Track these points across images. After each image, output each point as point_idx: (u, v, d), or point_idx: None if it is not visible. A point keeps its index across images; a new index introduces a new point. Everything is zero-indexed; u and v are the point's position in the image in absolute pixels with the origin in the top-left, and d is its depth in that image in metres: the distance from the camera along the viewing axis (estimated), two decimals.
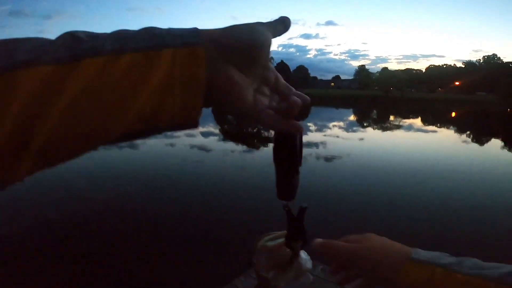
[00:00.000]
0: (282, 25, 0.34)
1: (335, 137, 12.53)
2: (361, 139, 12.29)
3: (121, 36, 0.23)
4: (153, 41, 0.23)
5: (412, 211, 4.89)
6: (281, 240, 0.59)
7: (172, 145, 12.26)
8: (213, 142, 12.36)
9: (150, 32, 0.24)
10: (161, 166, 8.54)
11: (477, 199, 5.41)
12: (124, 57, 0.22)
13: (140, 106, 0.22)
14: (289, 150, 0.39)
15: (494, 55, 49.03)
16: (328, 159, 8.61)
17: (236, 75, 0.27)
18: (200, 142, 12.22)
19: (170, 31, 0.25)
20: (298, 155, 0.40)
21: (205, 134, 14.82)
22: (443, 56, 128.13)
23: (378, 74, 51.94)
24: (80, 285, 3.25)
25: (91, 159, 10.11)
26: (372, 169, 7.57)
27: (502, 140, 12.36)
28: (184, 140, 13.23)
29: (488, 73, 41.62)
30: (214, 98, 0.27)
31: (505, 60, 47.05)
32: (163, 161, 9.23)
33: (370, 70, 55.94)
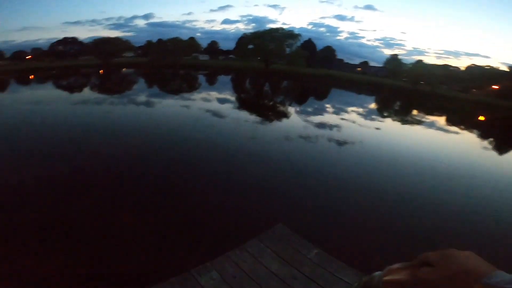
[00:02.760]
0: None
1: (351, 122, 12.24)
2: (378, 128, 11.94)
3: None
4: None
5: (408, 207, 4.88)
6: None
7: (187, 107, 12.43)
8: (228, 109, 12.40)
9: None
10: (173, 126, 8.76)
11: (479, 205, 5.29)
12: None
13: None
14: None
15: None
16: (340, 142, 8.51)
17: None
18: (215, 108, 12.30)
19: None
20: None
21: (221, 101, 14.87)
22: (488, 57, 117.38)
23: (410, 66, 48.69)
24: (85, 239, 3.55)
25: (107, 114, 10.49)
26: (381, 159, 7.47)
27: None
28: (200, 104, 13.35)
29: None
30: None
31: None
32: (176, 122, 9.45)
33: (403, 61, 52.25)
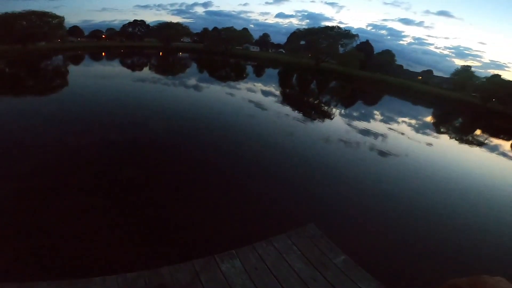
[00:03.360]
0: None
1: (399, 133, 11.36)
2: (429, 144, 10.88)
3: None
4: None
5: (441, 228, 4.42)
6: None
7: (232, 95, 12.81)
8: (271, 102, 12.46)
9: None
10: (216, 111, 9.15)
11: None
12: None
13: None
14: None
15: None
16: (382, 153, 8.00)
17: None
18: (259, 99, 12.45)
19: None
20: None
21: (266, 93, 14.97)
22: None
23: (484, 80, 42.67)
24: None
25: (160, 93, 11.39)
26: (424, 176, 6.83)
27: None
28: (245, 94, 13.64)
29: None
30: None
31: None
32: (219, 108, 9.85)
33: (476, 74, 46.08)
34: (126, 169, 4.34)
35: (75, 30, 50.95)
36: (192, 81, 14.62)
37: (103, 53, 31.82)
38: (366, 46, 54.34)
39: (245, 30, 57.54)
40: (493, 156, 11.69)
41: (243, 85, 16.34)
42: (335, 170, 5.95)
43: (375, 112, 16.80)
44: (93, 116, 7.13)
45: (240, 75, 23.39)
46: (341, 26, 57.31)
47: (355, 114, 14.28)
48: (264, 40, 71.88)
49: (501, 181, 8.19)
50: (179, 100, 10.26)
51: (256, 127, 8.17)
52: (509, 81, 43.32)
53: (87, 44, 40.42)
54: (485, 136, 18.01)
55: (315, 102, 16.31)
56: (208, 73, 21.88)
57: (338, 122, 11.32)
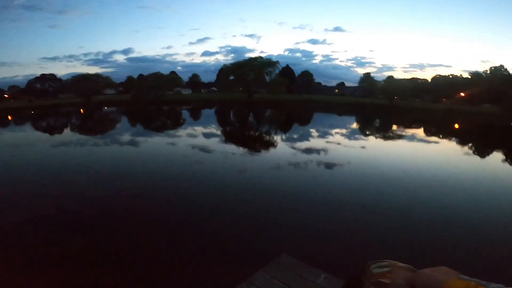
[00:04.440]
0: None
1: (337, 144, 12.54)
2: (363, 147, 12.28)
3: None
4: None
5: (408, 218, 4.89)
6: (387, 269, 0.86)
7: (173, 144, 12.35)
8: (215, 143, 12.43)
9: None
10: (161, 165, 8.60)
11: (473, 208, 5.40)
12: None
13: None
14: None
15: (501, 66, 48.04)
16: (329, 165, 8.63)
17: None
18: (202, 143, 12.29)
19: None
20: None
21: (207, 135, 14.92)
22: (450, 66, 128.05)
23: (383, 82, 51.68)
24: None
25: (91, 155, 10.25)
26: (371, 177, 7.58)
27: (504, 153, 12.32)
28: (186, 140, 13.32)
29: (494, 85, 41.00)
30: None
31: None
32: (162, 160, 9.30)
33: (375, 78, 55.57)
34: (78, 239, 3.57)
35: None
36: (126, 137, 13.62)
37: (9, 117, 27.51)
38: (287, 70, 60.43)
39: (173, 73, 57.96)
40: (413, 144, 13.80)
41: (182, 131, 16.00)
42: (292, 194, 6.09)
43: (311, 130, 18.36)
44: (15, 189, 5.83)
45: (177, 122, 22.97)
46: (263, 55, 63.02)
47: (295, 136, 15.30)
48: (195, 80, 73.37)
49: (425, 160, 9.66)
50: (115, 160, 9.32)
51: (205, 172, 7.92)
52: (400, 79, 53.37)
53: None
54: (401, 129, 21.34)
55: (257, 134, 16.96)
56: (143, 125, 20.84)
57: (282, 147, 11.89)
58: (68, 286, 3.17)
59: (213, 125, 19.86)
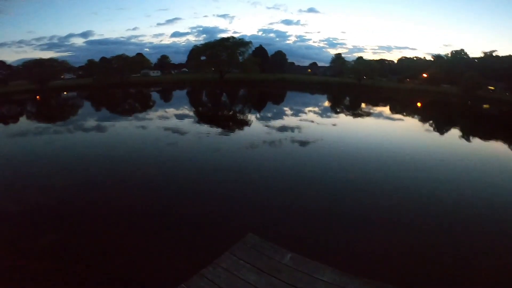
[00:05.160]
0: None
1: (310, 122, 12.84)
2: (334, 124, 12.72)
3: None
4: None
5: (375, 191, 5.27)
6: None
7: (143, 127, 11.75)
8: (188, 124, 12.05)
9: None
10: (131, 149, 8.19)
11: (433, 180, 5.97)
12: None
13: None
14: None
15: (462, 50, 52.00)
16: (303, 143, 8.84)
17: None
18: (174, 125, 11.85)
19: None
20: None
21: (180, 117, 14.38)
22: (415, 49, 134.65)
23: (353, 63, 53.30)
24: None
25: (52, 144, 9.44)
26: (342, 153, 7.95)
27: (461, 130, 13.55)
28: (157, 123, 12.74)
29: (454, 67, 44.48)
30: None
31: (471, 55, 50.49)
32: (133, 144, 8.85)
33: (346, 59, 57.06)
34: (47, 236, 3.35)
35: None
36: (91, 122, 12.69)
37: None
38: (260, 50, 59.37)
39: (140, 55, 54.30)
40: (380, 121, 14.55)
41: (153, 114, 15.26)
42: (265, 171, 6.19)
43: (285, 108, 18.50)
44: None
45: (146, 104, 21.81)
46: (236, 35, 60.82)
47: (269, 115, 15.34)
48: (164, 62, 69.57)
49: (391, 136, 10.32)
50: (79, 147, 8.67)
51: (180, 153, 7.72)
52: (369, 60, 55.33)
53: None
54: (369, 107, 22.33)
55: (231, 113, 16.72)
56: (108, 109, 19.50)
57: (257, 126, 11.89)
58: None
59: (185, 106, 19.17)
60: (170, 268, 3.03)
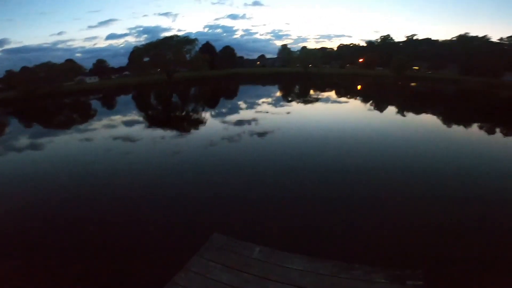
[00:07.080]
0: None
1: (265, 113, 13.16)
2: (288, 112, 13.26)
3: None
4: None
5: (334, 172, 5.74)
6: None
7: (88, 139, 10.65)
8: (140, 130, 11.30)
9: None
10: (78, 165, 7.39)
11: (384, 152, 6.75)
12: None
13: None
14: None
15: (388, 35, 58.93)
16: (261, 134, 9.05)
17: None
18: (124, 133, 11.00)
19: None
20: None
21: (128, 123, 13.37)
22: (351, 36, 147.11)
23: (298, 53, 55.92)
24: None
25: None
26: (300, 138, 8.39)
27: (396, 107, 15.37)
28: (104, 132, 11.66)
29: (384, 51, 50.19)
30: None
31: (396, 40, 57.79)
32: (80, 159, 7.98)
33: (292, 49, 59.60)
34: None
35: None
36: (24, 141, 11.06)
37: None
38: (208, 47, 58.11)
39: (70, 61, 48.63)
40: (329, 105, 15.61)
41: (97, 123, 13.90)
42: (225, 167, 6.24)
43: (239, 102, 18.58)
44: None
45: (87, 114, 19.76)
46: (180, 34, 58.39)
47: (224, 110, 15.26)
48: (101, 66, 63.48)
49: (343, 117, 11.20)
50: (12, 169, 7.53)
51: (134, 162, 7.22)
52: (312, 49, 58.62)
53: None
54: (317, 92, 23.72)
55: (184, 114, 16.19)
56: (42, 124, 17.18)
57: (213, 123, 11.77)
58: None
59: (133, 112, 17.89)
60: (141, 277, 2.90)
